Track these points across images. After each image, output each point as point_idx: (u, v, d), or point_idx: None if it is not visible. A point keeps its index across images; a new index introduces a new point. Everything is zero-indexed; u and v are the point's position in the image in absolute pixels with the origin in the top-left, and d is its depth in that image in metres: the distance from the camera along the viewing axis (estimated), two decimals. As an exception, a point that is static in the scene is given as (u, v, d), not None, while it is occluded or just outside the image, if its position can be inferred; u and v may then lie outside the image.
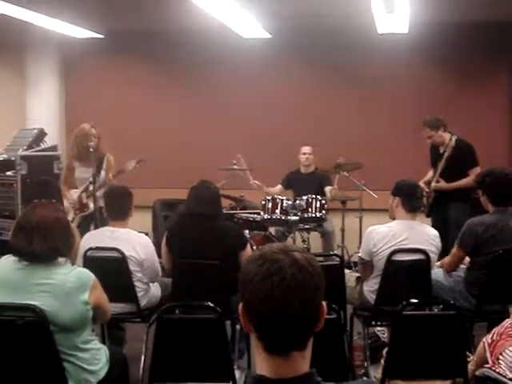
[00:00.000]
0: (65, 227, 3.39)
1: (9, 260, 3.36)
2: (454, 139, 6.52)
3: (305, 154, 7.70)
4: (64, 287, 3.26)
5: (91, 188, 6.37)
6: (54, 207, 3.48)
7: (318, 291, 1.67)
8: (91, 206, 6.45)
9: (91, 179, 6.35)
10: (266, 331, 1.66)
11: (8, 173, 7.14)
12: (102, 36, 8.17)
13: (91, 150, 6.27)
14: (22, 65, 8.63)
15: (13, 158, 7.08)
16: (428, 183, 6.83)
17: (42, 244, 3.26)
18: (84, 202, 6.54)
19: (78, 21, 7.23)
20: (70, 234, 3.42)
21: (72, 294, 3.27)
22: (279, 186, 7.77)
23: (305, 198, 6.75)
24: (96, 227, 5.97)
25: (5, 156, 7.29)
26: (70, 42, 8.23)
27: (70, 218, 6.48)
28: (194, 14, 6.39)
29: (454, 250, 4.81)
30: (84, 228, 6.14)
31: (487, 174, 4.90)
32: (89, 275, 3.39)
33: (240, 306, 1.69)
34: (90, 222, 6.45)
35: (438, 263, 4.94)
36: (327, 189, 7.38)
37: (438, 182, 6.69)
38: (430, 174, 7.07)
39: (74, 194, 6.61)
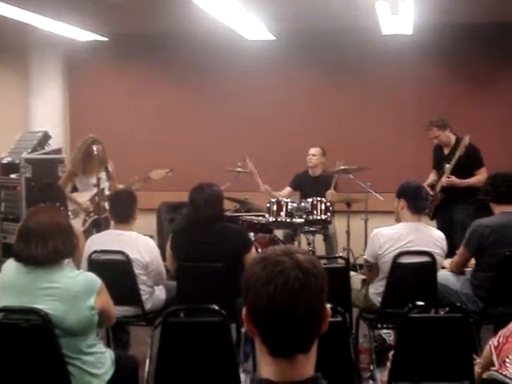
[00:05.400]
0: (65, 230, 3.38)
1: (15, 264, 3.35)
2: (467, 138, 6.54)
3: (309, 155, 7.66)
4: (71, 291, 3.26)
5: (106, 192, 6.33)
6: (54, 211, 3.47)
7: (322, 293, 1.65)
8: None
9: (103, 184, 6.32)
10: (270, 335, 1.64)
11: (12, 176, 7.15)
12: (106, 39, 8.17)
13: (95, 152, 6.21)
14: (26, 67, 8.63)
15: (17, 161, 7.10)
16: (431, 186, 6.82)
17: (42, 249, 3.25)
18: (101, 204, 6.42)
19: (83, 23, 7.23)
20: (72, 236, 3.41)
21: (78, 298, 3.27)
22: (288, 188, 7.73)
23: (310, 200, 6.72)
24: (98, 231, 5.93)
25: (9, 159, 7.31)
26: (74, 44, 8.24)
27: (80, 220, 6.44)
28: (199, 16, 6.38)
29: (461, 250, 4.81)
30: (90, 231, 6.12)
31: (488, 177, 4.95)
32: (96, 280, 3.39)
33: (243, 309, 1.68)
34: (95, 225, 6.41)
35: (447, 262, 4.92)
36: (327, 192, 7.32)
37: (449, 177, 6.68)
38: (432, 176, 7.06)
39: (79, 197, 6.55)
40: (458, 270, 4.87)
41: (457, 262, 4.87)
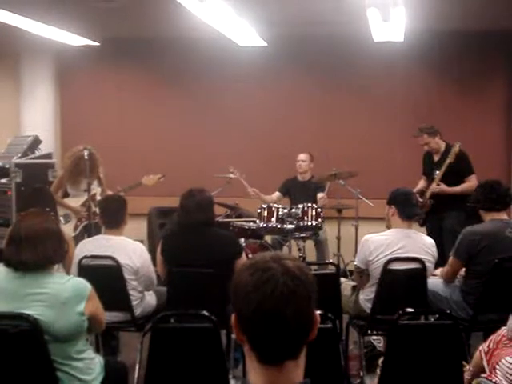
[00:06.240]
0: (55, 235, 3.36)
1: (4, 269, 3.34)
2: (458, 146, 6.56)
3: (298, 161, 7.71)
4: (60, 297, 3.24)
5: (98, 197, 6.31)
6: (44, 216, 3.45)
7: (311, 299, 1.65)
8: None
9: (95, 190, 6.29)
10: (258, 341, 1.64)
11: (2, 180, 7.11)
12: (97, 44, 8.15)
13: (86, 157, 6.18)
14: (18, 72, 8.61)
15: (7, 166, 7.06)
16: (421, 193, 6.83)
17: (32, 254, 3.24)
18: (93, 209, 6.39)
19: (74, 28, 7.21)
20: (62, 242, 3.40)
21: (68, 304, 3.25)
22: (277, 193, 7.77)
23: (300, 206, 6.73)
24: (89, 236, 5.92)
25: (-1, 163, 7.27)
26: (65, 49, 8.21)
27: (71, 225, 6.42)
28: (190, 21, 6.38)
29: (451, 260, 4.80)
30: (81, 237, 6.10)
31: (479, 185, 4.97)
32: (85, 285, 3.37)
33: (232, 316, 1.67)
34: (86, 231, 6.39)
35: (438, 272, 4.93)
36: (319, 195, 7.36)
37: (438, 185, 6.69)
38: (422, 183, 7.07)
39: (70, 202, 6.53)
40: (449, 280, 4.85)
41: (447, 272, 4.85)
